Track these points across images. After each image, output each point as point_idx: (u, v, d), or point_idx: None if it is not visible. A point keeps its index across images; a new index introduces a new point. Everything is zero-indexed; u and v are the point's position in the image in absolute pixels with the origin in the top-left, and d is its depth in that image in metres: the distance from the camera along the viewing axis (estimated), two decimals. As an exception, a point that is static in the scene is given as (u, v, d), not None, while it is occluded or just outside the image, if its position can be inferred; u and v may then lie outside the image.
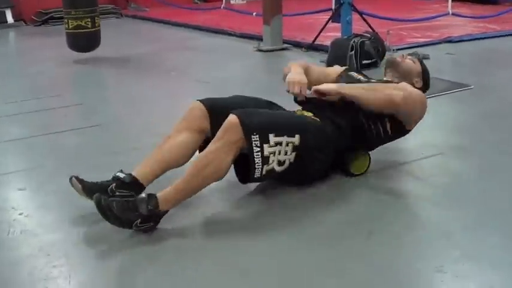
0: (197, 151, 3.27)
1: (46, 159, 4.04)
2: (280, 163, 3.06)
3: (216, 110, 3.24)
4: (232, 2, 12.68)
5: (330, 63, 6.41)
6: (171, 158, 3.22)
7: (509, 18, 9.26)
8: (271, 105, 3.48)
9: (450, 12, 9.24)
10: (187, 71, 6.80)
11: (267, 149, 2.98)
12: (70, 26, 7.18)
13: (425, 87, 3.78)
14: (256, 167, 2.98)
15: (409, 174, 3.61)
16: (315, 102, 3.44)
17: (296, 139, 3.08)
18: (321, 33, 7.58)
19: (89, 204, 3.05)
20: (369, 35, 6.63)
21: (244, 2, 12.88)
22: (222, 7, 11.47)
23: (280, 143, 3.02)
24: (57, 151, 4.20)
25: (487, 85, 5.65)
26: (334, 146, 3.34)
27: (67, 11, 7.15)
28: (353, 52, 6.32)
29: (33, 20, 11.50)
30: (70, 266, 2.67)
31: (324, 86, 3.40)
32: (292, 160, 3.09)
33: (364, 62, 6.42)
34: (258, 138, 2.95)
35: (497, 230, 2.89)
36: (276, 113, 3.32)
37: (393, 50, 6.69)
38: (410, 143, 4.26)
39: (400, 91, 3.37)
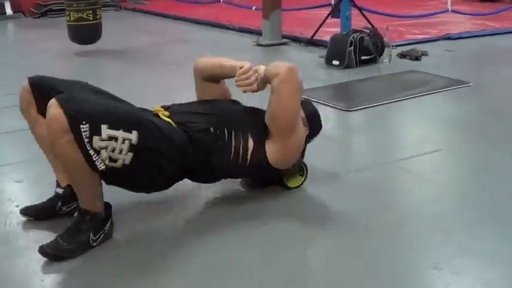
0: None
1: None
2: (111, 160, 2.59)
3: (41, 89, 2.86)
4: (231, -4, 12.66)
5: (329, 59, 6.41)
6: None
7: (509, 15, 9.26)
8: (116, 100, 3.03)
9: (449, 9, 9.24)
10: (186, 64, 6.73)
11: (97, 142, 2.53)
12: (72, 18, 7.17)
13: (313, 131, 3.36)
14: (94, 158, 2.55)
15: (407, 170, 3.60)
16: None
17: (133, 136, 2.61)
18: (320, 28, 7.56)
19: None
20: (368, 31, 6.62)
21: (244, -4, 12.86)
22: (221, 1, 11.46)
23: (115, 138, 2.56)
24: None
25: (485, 82, 5.65)
26: (180, 158, 2.86)
27: (69, 3, 7.15)
28: (352, 48, 6.30)
29: (32, 12, 11.48)
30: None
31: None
32: (128, 162, 2.63)
33: (363, 57, 6.40)
34: (87, 128, 2.51)
35: (495, 226, 2.89)
36: (111, 103, 2.86)
37: (392, 46, 6.68)
38: (408, 139, 4.28)
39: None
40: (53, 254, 2.65)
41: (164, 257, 2.68)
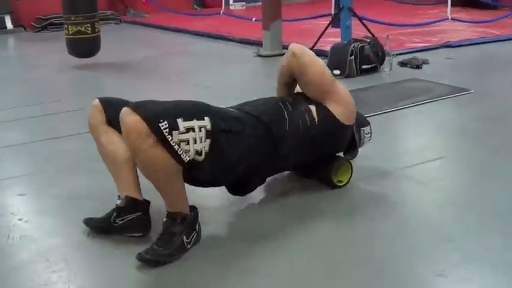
0: None
1: (46, 165, 4.03)
2: (198, 153, 2.68)
3: (110, 105, 3.04)
4: (231, 7, 12.69)
5: (330, 68, 6.38)
6: (125, 163, 2.97)
7: (508, 23, 9.27)
8: None
9: (449, 17, 9.25)
10: (188, 76, 6.78)
11: (176, 136, 2.59)
12: (70, 32, 7.17)
13: (358, 119, 3.56)
14: (180, 152, 2.61)
15: (411, 178, 3.60)
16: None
17: (207, 122, 2.72)
18: (321, 38, 7.57)
19: (89, 209, 3.08)
20: (368, 40, 6.62)
21: (244, 7, 12.89)
22: (221, 13, 11.48)
23: (192, 129, 2.65)
24: (57, 156, 4.19)
25: (486, 89, 5.64)
26: (254, 138, 2.99)
27: (67, 17, 7.15)
28: (353, 57, 6.31)
29: (32, 26, 11.49)
30: (69, 270, 2.67)
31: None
32: (207, 149, 2.70)
33: (364, 66, 6.41)
34: (166, 125, 2.57)
35: (499, 233, 2.88)
36: (174, 101, 2.87)
37: (393, 54, 6.68)
38: (411, 147, 4.28)
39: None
40: (152, 260, 2.67)
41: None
